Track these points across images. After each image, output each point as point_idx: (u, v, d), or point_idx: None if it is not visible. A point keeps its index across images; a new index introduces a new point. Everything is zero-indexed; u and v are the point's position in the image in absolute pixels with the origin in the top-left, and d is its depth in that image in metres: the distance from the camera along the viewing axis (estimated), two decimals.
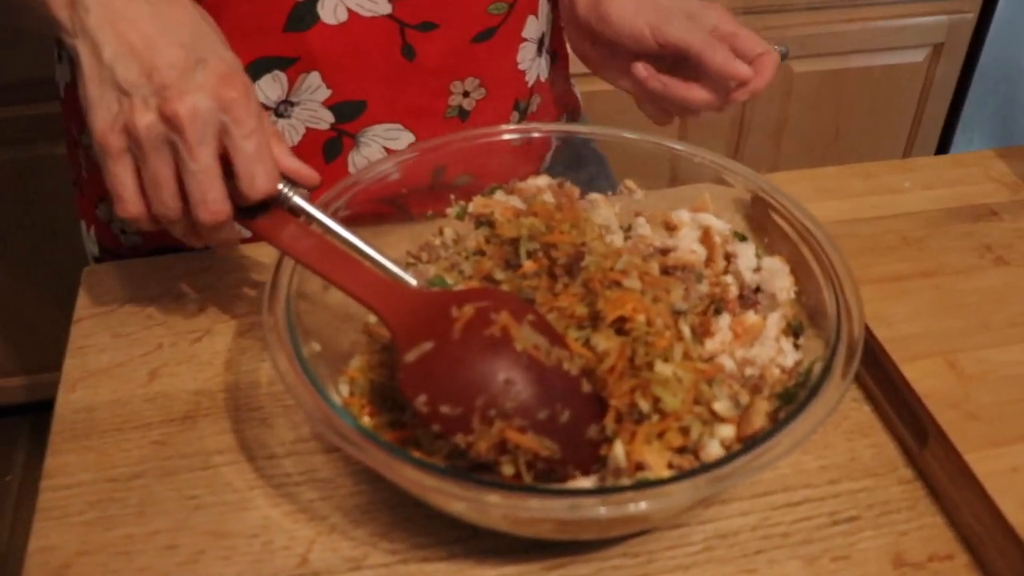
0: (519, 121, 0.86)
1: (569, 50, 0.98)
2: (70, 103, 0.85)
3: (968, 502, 0.59)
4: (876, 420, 0.67)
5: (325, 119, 0.77)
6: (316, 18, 0.72)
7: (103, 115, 0.56)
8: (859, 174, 0.85)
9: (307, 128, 0.78)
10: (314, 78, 0.75)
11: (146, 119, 0.55)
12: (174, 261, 0.80)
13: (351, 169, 0.80)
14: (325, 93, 0.76)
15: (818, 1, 1.69)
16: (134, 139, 0.55)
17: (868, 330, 0.68)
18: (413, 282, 0.61)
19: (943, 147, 1.94)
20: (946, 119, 1.91)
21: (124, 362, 0.71)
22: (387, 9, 0.73)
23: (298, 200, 0.62)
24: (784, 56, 0.81)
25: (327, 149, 0.79)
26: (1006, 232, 0.78)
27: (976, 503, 0.58)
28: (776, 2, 1.66)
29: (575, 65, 1.03)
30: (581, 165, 0.82)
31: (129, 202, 0.58)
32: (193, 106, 0.54)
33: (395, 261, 0.62)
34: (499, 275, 0.64)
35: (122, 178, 0.57)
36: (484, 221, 0.68)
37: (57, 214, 1.58)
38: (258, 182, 0.57)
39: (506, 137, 0.73)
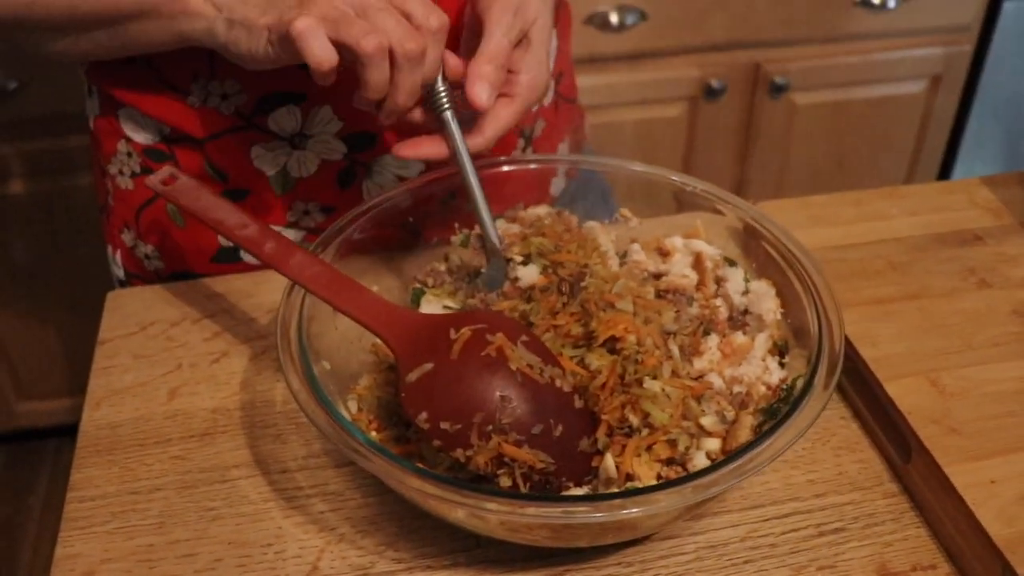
0: (524, 147, 0.90)
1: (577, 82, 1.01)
2: (99, 134, 0.89)
3: (949, 514, 0.62)
4: (863, 436, 0.70)
5: (338, 150, 0.81)
6: None
7: (275, 17, 0.64)
8: (849, 202, 0.88)
9: (322, 159, 0.82)
10: (326, 111, 0.79)
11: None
12: (193, 286, 0.84)
13: (365, 196, 0.84)
14: (337, 125, 0.80)
15: (818, 35, 1.72)
16: (332, 9, 0.63)
17: (854, 350, 0.71)
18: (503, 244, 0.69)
19: (944, 176, 1.97)
20: (947, 148, 1.94)
21: (146, 382, 0.75)
22: None
23: (447, 115, 0.68)
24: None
25: (341, 178, 0.83)
26: (989, 256, 0.81)
27: (957, 514, 0.61)
28: (778, 36, 1.70)
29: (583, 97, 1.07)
30: (586, 193, 0.85)
31: (325, 52, 0.63)
32: None
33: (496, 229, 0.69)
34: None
35: (322, 44, 0.62)
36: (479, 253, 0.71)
37: (85, 241, 1.62)
38: (432, 17, 0.64)
39: (507, 168, 0.76)
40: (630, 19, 1.61)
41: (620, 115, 1.69)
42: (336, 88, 0.77)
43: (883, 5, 1.71)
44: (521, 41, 0.71)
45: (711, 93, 1.70)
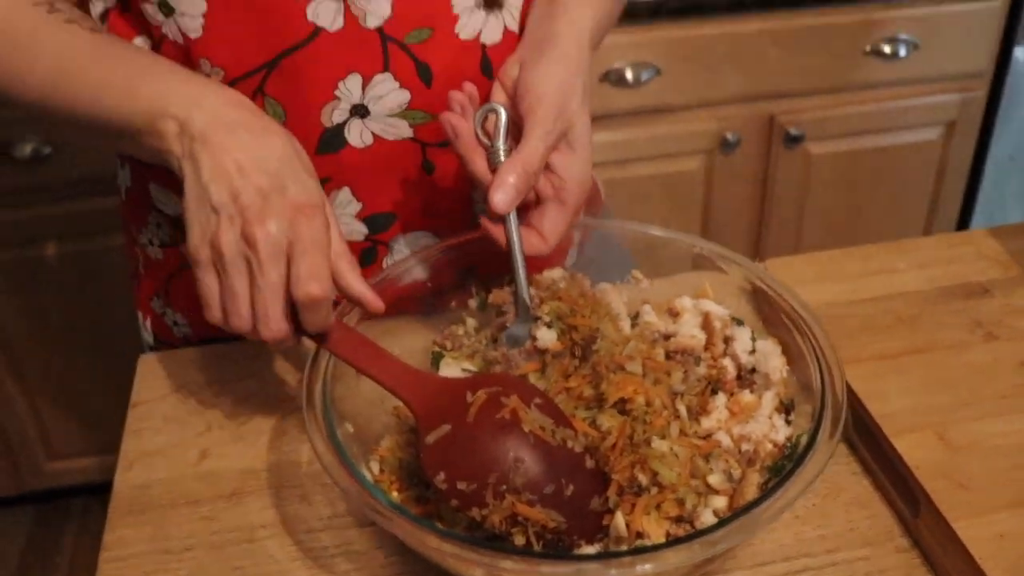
0: None
1: None
2: (130, 205, 0.93)
3: (958, 568, 0.63)
4: (873, 491, 0.71)
5: (359, 230, 0.84)
6: (344, 142, 0.80)
7: (197, 230, 0.65)
8: (857, 256, 0.90)
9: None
10: (345, 194, 0.82)
11: (229, 236, 0.63)
12: (222, 350, 0.87)
13: None
14: (357, 207, 0.83)
15: (831, 85, 1.75)
16: (218, 253, 0.64)
17: (863, 405, 0.72)
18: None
19: (964, 223, 1.98)
20: (965, 194, 1.95)
21: (177, 443, 0.78)
22: (408, 133, 0.81)
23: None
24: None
25: (363, 256, 0.86)
26: (996, 308, 0.83)
27: (965, 569, 0.62)
28: (791, 88, 1.74)
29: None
30: (603, 253, 0.87)
31: (213, 308, 0.65)
32: (267, 229, 0.63)
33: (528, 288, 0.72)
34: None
35: (209, 287, 0.65)
36: (505, 310, 0.74)
37: (114, 301, 1.67)
38: (301, 286, 0.63)
39: None
40: (645, 75, 1.65)
41: (638, 170, 1.72)
42: (355, 172, 0.81)
43: (894, 54, 1.74)
44: (563, 144, 0.72)
45: (727, 145, 1.73)
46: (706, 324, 0.71)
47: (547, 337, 0.70)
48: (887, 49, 1.74)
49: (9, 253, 1.65)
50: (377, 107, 0.79)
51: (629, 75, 1.64)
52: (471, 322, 0.76)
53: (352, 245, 0.85)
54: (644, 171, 1.73)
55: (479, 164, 0.72)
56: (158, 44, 0.78)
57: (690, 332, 0.70)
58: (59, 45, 0.74)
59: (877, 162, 1.84)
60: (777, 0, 1.65)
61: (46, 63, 0.73)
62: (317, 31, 0.75)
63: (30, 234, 1.64)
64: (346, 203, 0.83)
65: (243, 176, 0.64)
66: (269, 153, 0.66)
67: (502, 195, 0.69)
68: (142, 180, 0.89)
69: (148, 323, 0.97)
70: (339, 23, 0.75)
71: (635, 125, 1.70)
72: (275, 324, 0.64)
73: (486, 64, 0.81)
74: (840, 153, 1.81)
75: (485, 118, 0.72)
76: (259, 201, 0.64)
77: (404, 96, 0.79)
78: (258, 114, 0.69)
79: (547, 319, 0.71)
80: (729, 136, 1.72)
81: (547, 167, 0.73)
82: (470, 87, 0.76)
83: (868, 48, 1.73)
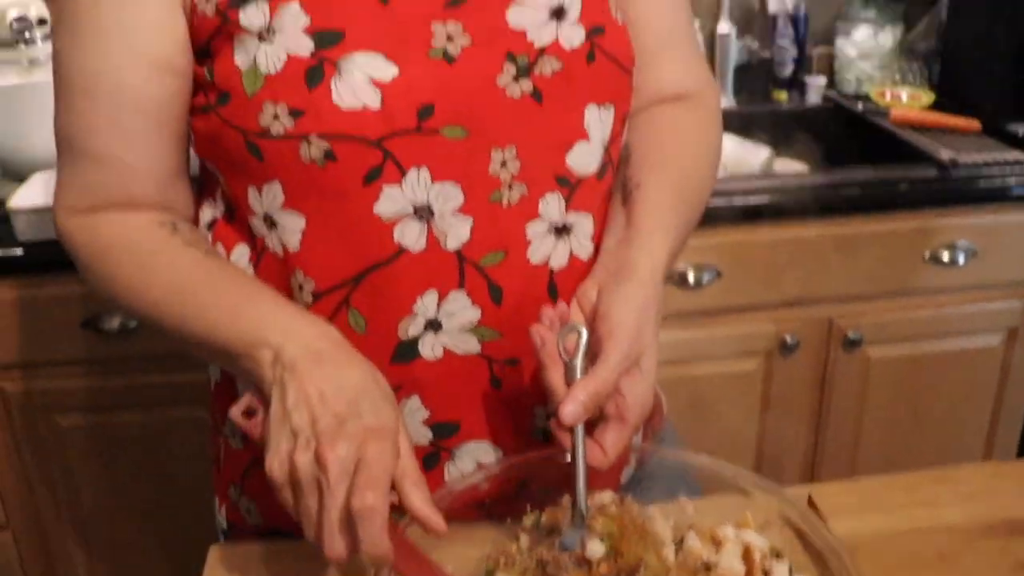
0: None
1: None
2: (217, 397, 1.01)
3: None
4: None
5: (424, 436, 0.90)
6: (417, 354, 0.86)
7: (273, 451, 0.72)
8: (901, 486, 0.93)
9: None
10: (415, 401, 0.89)
11: (303, 458, 0.70)
12: (287, 546, 0.91)
13: (446, 478, 0.92)
14: (424, 414, 0.89)
15: (890, 290, 1.79)
16: (294, 474, 0.70)
17: None
18: None
19: None
20: None
21: None
22: (477, 349, 0.87)
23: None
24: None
25: (425, 461, 0.91)
26: None
27: None
28: (850, 292, 1.78)
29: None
30: (656, 478, 0.92)
31: (303, 528, 0.71)
32: (337, 452, 0.69)
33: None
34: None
35: (288, 505, 0.71)
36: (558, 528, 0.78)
37: (185, 474, 1.73)
38: (357, 494, 0.68)
39: None
40: (706, 277, 1.71)
41: (697, 369, 1.76)
42: (425, 382, 0.88)
43: (953, 261, 1.78)
44: (632, 367, 0.77)
45: (786, 348, 1.77)
46: (746, 556, 0.75)
47: (597, 549, 0.74)
48: (946, 256, 1.78)
49: (91, 418, 1.73)
50: (449, 323, 0.85)
51: (691, 277, 1.70)
52: (524, 539, 0.80)
53: (416, 449, 0.89)
54: (703, 371, 1.77)
55: (556, 376, 0.78)
56: (259, 254, 0.87)
57: (730, 563, 0.74)
58: (176, 267, 0.83)
59: (937, 367, 1.85)
60: (836, 206, 1.72)
61: (163, 283, 0.82)
62: (401, 250, 0.82)
63: (112, 403, 1.71)
64: (415, 410, 0.89)
65: (324, 403, 0.72)
66: (350, 384, 0.73)
67: (572, 409, 0.75)
68: (230, 376, 0.96)
69: (223, 510, 1.03)
70: (422, 244, 0.83)
71: (695, 326, 1.75)
72: (336, 543, 0.69)
73: (552, 287, 0.88)
74: (899, 358, 1.83)
75: (567, 336, 0.78)
76: (334, 425, 0.70)
77: (475, 313, 0.85)
78: (343, 346, 0.77)
79: (599, 531, 0.75)
80: (788, 338, 1.76)
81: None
82: (562, 306, 0.84)
83: (927, 255, 1.77)
